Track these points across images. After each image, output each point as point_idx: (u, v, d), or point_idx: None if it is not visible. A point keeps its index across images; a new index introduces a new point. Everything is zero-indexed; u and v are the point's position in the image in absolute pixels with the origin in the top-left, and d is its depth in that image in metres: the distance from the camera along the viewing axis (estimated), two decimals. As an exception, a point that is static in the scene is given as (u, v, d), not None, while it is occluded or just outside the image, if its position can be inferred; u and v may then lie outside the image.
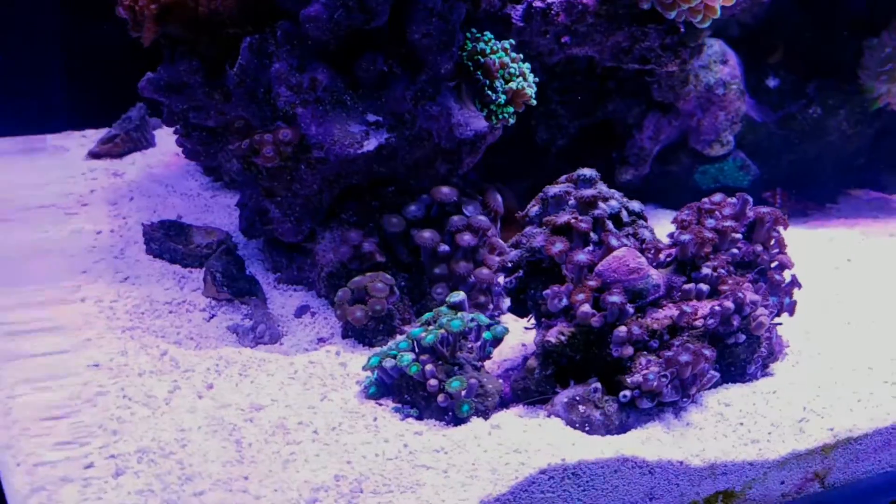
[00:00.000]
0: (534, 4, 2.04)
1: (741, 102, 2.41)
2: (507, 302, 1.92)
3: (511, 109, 1.88)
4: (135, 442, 1.43)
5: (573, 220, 1.61)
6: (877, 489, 1.71)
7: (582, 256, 1.60)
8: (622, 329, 1.57)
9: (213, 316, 1.89)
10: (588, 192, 1.66)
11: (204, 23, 1.75)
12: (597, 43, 2.11)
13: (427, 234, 1.83)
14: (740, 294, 1.64)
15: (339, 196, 1.89)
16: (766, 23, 2.45)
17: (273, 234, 1.95)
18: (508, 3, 2.08)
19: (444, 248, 1.84)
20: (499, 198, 1.99)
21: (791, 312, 1.81)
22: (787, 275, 1.80)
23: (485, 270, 1.85)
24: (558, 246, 1.61)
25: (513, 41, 1.95)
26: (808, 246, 2.35)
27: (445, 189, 1.86)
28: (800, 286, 1.81)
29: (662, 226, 2.41)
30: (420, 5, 1.72)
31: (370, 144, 1.76)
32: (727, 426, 1.58)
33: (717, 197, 1.81)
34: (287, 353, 1.79)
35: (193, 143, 1.93)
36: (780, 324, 1.80)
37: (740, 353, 1.69)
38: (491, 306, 1.88)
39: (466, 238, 1.84)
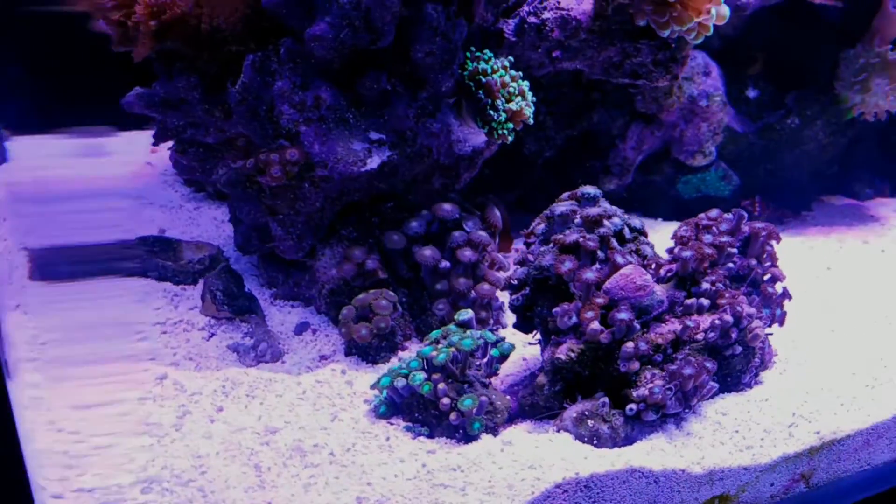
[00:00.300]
0: (528, 20, 2.06)
1: (724, 114, 2.46)
2: (506, 316, 1.94)
3: (511, 126, 1.90)
4: (147, 471, 1.41)
5: (581, 240, 1.64)
6: (856, 486, 1.78)
7: (590, 275, 1.63)
8: (629, 345, 1.60)
9: (212, 335, 1.87)
10: (593, 210, 1.68)
11: (205, 39, 1.73)
12: (588, 57, 2.14)
13: (428, 251, 1.84)
14: (738, 308, 1.70)
15: (340, 212, 1.88)
16: (746, 35, 2.50)
17: (273, 251, 1.93)
18: (501, 17, 2.09)
19: (445, 264, 1.85)
20: (497, 213, 2.01)
21: (781, 323, 1.88)
22: (778, 287, 1.86)
23: (485, 286, 1.87)
24: (567, 265, 1.63)
25: (511, 59, 1.96)
26: (789, 254, 2.41)
27: (447, 206, 1.87)
28: (790, 298, 1.87)
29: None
30: (425, 25, 1.73)
31: (373, 162, 1.76)
32: (724, 434, 1.63)
33: (714, 213, 1.86)
34: (290, 371, 1.79)
35: (189, 160, 1.91)
36: (772, 334, 1.87)
37: (737, 364, 1.75)
38: (492, 321, 1.90)
39: (467, 254, 1.85)
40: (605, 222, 1.69)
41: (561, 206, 1.70)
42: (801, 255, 2.47)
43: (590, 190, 1.73)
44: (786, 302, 1.87)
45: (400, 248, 1.85)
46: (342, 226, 1.89)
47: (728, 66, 2.53)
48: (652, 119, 2.45)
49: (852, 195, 2.89)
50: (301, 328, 1.92)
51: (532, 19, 2.06)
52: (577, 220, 1.69)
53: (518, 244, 2.30)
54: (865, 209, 2.87)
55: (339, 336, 1.86)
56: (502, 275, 1.91)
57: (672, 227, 2.51)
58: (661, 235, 2.42)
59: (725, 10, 1.99)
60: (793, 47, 2.52)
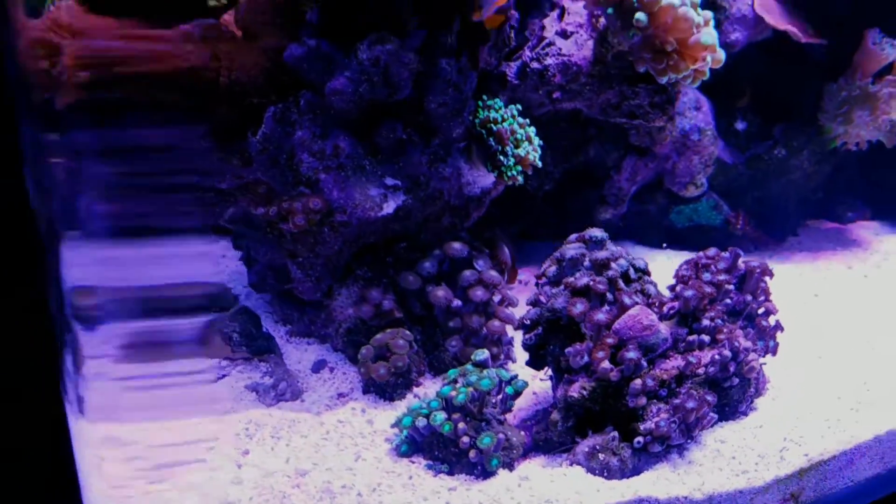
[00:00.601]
0: (530, 65, 2.14)
1: (714, 147, 2.56)
2: (515, 350, 2.02)
3: (519, 169, 1.98)
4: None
5: (592, 283, 1.72)
6: (841, 501, 1.89)
7: (601, 316, 1.71)
8: (637, 382, 1.70)
9: (223, 376, 1.91)
10: (602, 254, 1.77)
11: (224, 92, 1.79)
12: (587, 99, 2.23)
13: (441, 292, 1.92)
14: (736, 343, 1.80)
15: (356, 253, 1.95)
16: (735, 69, 2.60)
17: (289, 290, 2.00)
18: (503, 61, 2.17)
19: (458, 303, 1.93)
20: (507, 251, 2.09)
21: (774, 353, 1.99)
22: (771, 319, 1.96)
23: (496, 322, 1.95)
24: (579, 307, 1.72)
25: (519, 107, 2.05)
26: (780, 281, 2.51)
27: (457, 245, 1.95)
28: (782, 329, 1.98)
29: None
30: (439, 79, 1.81)
31: (389, 207, 1.84)
32: (722, 461, 1.73)
33: (712, 251, 1.96)
34: (311, 409, 1.85)
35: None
36: (765, 363, 1.97)
37: (734, 395, 1.85)
38: (502, 356, 1.98)
39: (479, 294, 1.93)
40: (612, 264, 1.78)
41: (571, 251, 1.78)
42: (790, 281, 2.57)
43: (597, 233, 1.82)
44: (778, 333, 1.98)
45: (415, 289, 1.92)
46: (358, 266, 1.96)
47: (717, 99, 2.63)
48: (645, 151, 2.54)
49: (836, 219, 3.02)
50: (318, 366, 1.98)
51: (535, 65, 2.15)
52: (587, 262, 1.77)
53: (522, 275, 2.39)
54: (848, 232, 2.99)
55: (356, 374, 1.93)
56: (512, 311, 1.99)
57: (666, 254, 2.64)
58: (657, 264, 2.52)
59: (721, 55, 2.09)
60: (779, 81, 2.63)
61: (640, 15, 1.99)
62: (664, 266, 2.54)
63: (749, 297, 1.95)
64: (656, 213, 2.66)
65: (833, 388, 1.97)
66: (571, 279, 1.75)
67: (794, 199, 2.81)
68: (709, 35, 2.02)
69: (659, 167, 2.58)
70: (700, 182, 2.57)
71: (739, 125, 2.65)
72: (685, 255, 2.61)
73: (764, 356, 1.96)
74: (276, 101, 1.80)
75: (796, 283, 2.58)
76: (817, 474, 1.79)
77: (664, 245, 2.62)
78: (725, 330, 1.83)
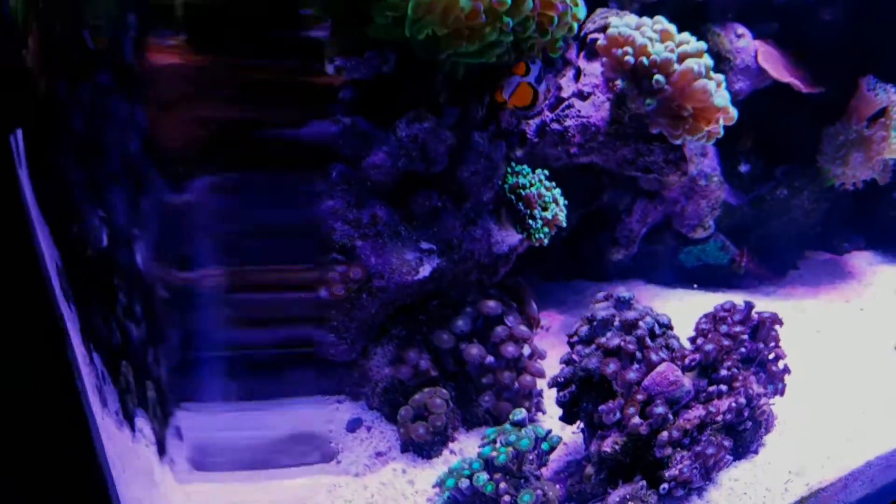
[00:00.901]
0: (551, 126, 2.24)
1: (721, 191, 2.68)
2: (545, 402, 2.11)
3: (547, 230, 2.08)
4: None
5: (623, 344, 1.83)
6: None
7: (632, 375, 1.82)
8: (664, 434, 1.81)
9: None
10: (631, 314, 1.87)
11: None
12: (603, 154, 2.33)
13: (475, 350, 2.01)
14: (750, 390, 1.94)
15: (391, 314, 2.04)
16: (738, 115, 2.72)
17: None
18: (522, 120, 2.27)
19: (491, 360, 2.02)
20: (534, 305, 2.19)
21: (782, 394, 2.12)
22: (780, 364, 2.09)
23: (528, 377, 2.04)
24: (612, 367, 1.82)
25: (546, 172, 2.14)
26: (784, 317, 2.64)
27: (491, 303, 2.04)
28: (790, 372, 2.10)
29: (653, 303, 2.67)
30: (472, 151, 1.90)
31: (425, 271, 1.93)
32: (735, 498, 1.86)
33: (728, 304, 2.07)
34: (349, 471, 1.91)
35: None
36: (774, 404, 2.10)
37: (747, 437, 1.97)
38: (533, 409, 2.07)
39: (510, 350, 2.02)
40: (640, 323, 1.88)
41: (602, 311, 1.88)
42: (793, 318, 2.66)
43: (625, 294, 1.92)
44: (786, 376, 2.11)
45: (449, 348, 2.01)
46: (392, 325, 2.04)
47: (722, 143, 2.74)
48: (655, 195, 2.65)
49: (832, 250, 3.15)
50: (354, 425, 2.04)
51: (555, 126, 2.24)
52: (616, 323, 1.88)
53: (543, 318, 2.48)
54: (844, 263, 3.12)
55: (394, 432, 1.99)
56: (541, 364, 2.08)
57: (677, 294, 2.75)
58: (671, 306, 2.63)
59: (734, 114, 2.20)
60: (780, 125, 2.74)
61: (658, 77, 2.08)
62: (677, 308, 2.66)
63: (762, 345, 2.08)
64: (665, 252, 2.77)
65: (832, 421, 2.10)
66: (603, 339, 1.85)
67: (794, 234, 2.93)
68: (722, 98, 2.13)
69: (667, 209, 2.69)
70: (708, 224, 2.69)
71: (743, 168, 2.76)
72: (695, 295, 2.76)
73: (773, 398, 2.09)
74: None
75: (799, 320, 2.69)
76: (816, 500, 1.92)
77: (675, 285, 2.73)
78: (741, 378, 1.95)
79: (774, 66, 2.53)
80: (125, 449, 1.80)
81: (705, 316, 2.06)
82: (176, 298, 1.34)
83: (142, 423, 1.56)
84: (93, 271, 1.99)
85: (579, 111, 2.26)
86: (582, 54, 2.40)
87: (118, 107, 1.47)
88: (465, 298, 2.08)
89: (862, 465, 1.95)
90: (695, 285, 2.74)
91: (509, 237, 2.09)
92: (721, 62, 2.56)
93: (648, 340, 1.89)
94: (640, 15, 2.53)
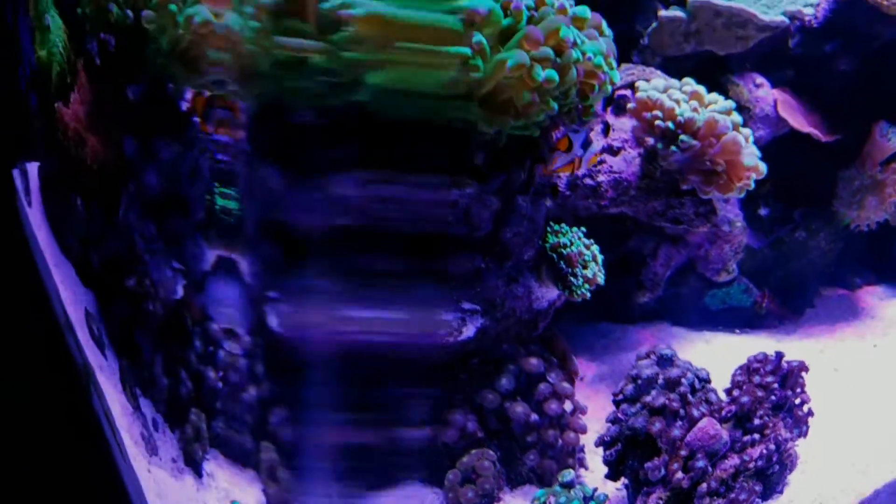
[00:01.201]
0: (583, 181, 2.29)
1: (743, 236, 2.74)
2: (588, 458, 2.15)
3: (587, 287, 2.13)
4: None
5: (667, 402, 1.88)
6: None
7: (677, 432, 1.88)
8: (704, 486, 1.88)
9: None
10: (673, 372, 1.93)
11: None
12: (634, 206, 2.38)
13: (520, 408, 2.04)
14: (779, 436, 2.00)
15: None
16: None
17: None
18: (554, 174, 2.32)
19: (535, 417, 2.05)
20: (575, 361, 2.23)
21: (805, 436, 2.17)
22: (805, 408, 2.15)
23: (571, 434, 2.08)
24: (657, 426, 1.88)
25: (584, 229, 2.19)
26: (805, 358, 2.71)
27: (534, 361, 2.07)
28: (813, 415, 2.17)
29: (681, 345, 2.74)
30: (516, 213, 1.95)
31: (469, 331, 1.97)
32: None
33: (760, 355, 2.13)
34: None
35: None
36: (798, 445, 2.16)
37: (774, 479, 2.03)
38: (576, 466, 2.11)
39: (553, 407, 2.06)
40: (682, 380, 1.94)
41: (646, 370, 1.93)
42: (813, 358, 2.71)
43: (666, 351, 1.97)
44: (810, 419, 2.16)
45: (495, 407, 2.04)
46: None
47: (742, 189, 2.81)
48: (678, 239, 2.70)
49: (846, 286, 3.22)
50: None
51: (588, 181, 2.30)
52: (661, 381, 1.93)
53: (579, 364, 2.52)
54: (857, 299, 3.19)
55: (440, 497, 2.02)
56: (583, 420, 2.12)
57: (704, 338, 2.81)
58: (697, 350, 2.69)
59: (763, 169, 2.26)
60: (798, 169, 2.81)
61: (684, 136, 2.15)
62: (704, 351, 2.72)
63: (790, 392, 2.14)
64: (689, 294, 2.82)
65: (848, 456, 2.15)
66: (649, 399, 1.90)
67: (812, 274, 3.00)
68: (751, 156, 2.19)
69: (691, 253, 2.75)
70: (732, 268, 2.75)
71: (763, 211, 2.83)
72: (720, 337, 2.82)
73: (798, 440, 2.15)
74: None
75: (818, 360, 2.74)
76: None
77: (700, 327, 2.80)
78: (771, 425, 2.02)
79: (794, 115, 2.60)
80: (184, 497, 1.82)
81: (740, 368, 2.12)
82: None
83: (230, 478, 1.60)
84: (152, 319, 2.02)
85: (611, 167, 2.31)
86: (609, 109, 2.45)
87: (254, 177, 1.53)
88: (505, 355, 2.11)
89: (871, 493, 2.01)
90: (719, 327, 2.80)
91: (549, 293, 2.14)
92: (741, 111, 2.62)
93: (690, 396, 1.95)
94: (662, 67, 2.60)
